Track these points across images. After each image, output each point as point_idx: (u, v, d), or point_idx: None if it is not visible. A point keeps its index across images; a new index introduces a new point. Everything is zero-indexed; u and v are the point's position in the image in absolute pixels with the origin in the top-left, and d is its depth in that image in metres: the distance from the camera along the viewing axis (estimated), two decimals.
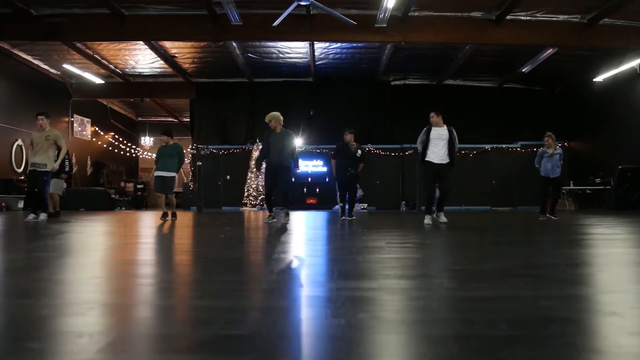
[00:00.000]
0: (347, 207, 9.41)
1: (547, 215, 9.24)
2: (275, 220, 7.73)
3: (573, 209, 16.48)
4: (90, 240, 4.78)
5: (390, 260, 3.14)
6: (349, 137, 9.29)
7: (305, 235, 5.46)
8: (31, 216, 8.12)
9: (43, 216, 8.21)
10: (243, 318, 1.60)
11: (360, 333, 1.43)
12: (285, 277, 2.45)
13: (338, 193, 9.79)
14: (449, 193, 7.48)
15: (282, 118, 7.84)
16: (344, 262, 3.06)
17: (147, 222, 8.51)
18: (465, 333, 1.42)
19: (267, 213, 7.97)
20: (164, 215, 8.92)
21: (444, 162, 7.26)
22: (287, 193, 7.91)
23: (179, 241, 4.82)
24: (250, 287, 2.23)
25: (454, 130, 7.47)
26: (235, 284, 2.23)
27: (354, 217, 9.47)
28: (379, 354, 1.26)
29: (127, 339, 1.38)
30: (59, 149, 8.39)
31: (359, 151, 9.28)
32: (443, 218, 7.38)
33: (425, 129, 7.53)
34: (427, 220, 7.15)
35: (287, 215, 7.83)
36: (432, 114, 7.53)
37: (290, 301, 1.91)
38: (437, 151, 7.28)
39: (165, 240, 4.84)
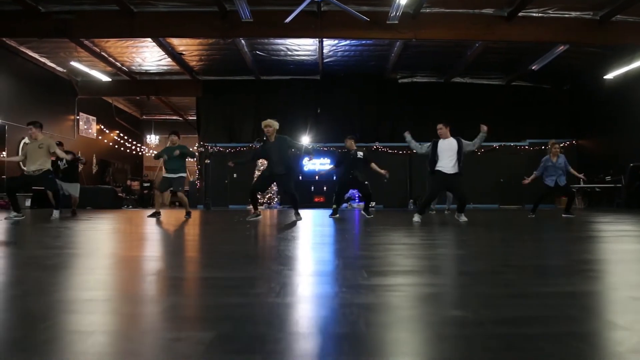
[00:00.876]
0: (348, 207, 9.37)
1: (565, 215, 8.99)
2: (260, 217, 7.82)
3: (582, 207, 16.38)
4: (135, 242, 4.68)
5: (440, 256, 3.05)
6: (349, 143, 9.19)
7: (340, 232, 5.36)
8: (12, 214, 8.06)
9: (56, 214, 8.18)
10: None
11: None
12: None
13: (336, 195, 9.44)
14: (465, 197, 7.44)
15: (277, 125, 7.74)
16: (395, 257, 2.97)
17: (170, 221, 8.40)
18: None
19: (253, 210, 7.96)
20: (156, 214, 8.60)
21: (454, 172, 7.22)
22: (296, 200, 7.91)
23: (226, 244, 4.72)
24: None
25: (461, 139, 7.41)
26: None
27: (372, 215, 9.31)
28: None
29: None
30: (55, 155, 8.45)
31: (360, 153, 9.18)
32: (463, 218, 7.31)
33: (431, 143, 7.45)
34: (417, 218, 7.23)
35: (298, 214, 7.79)
36: (440, 126, 7.42)
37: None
38: (447, 163, 7.23)
39: (221, 242, 4.74)
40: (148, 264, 2.90)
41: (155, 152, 11.46)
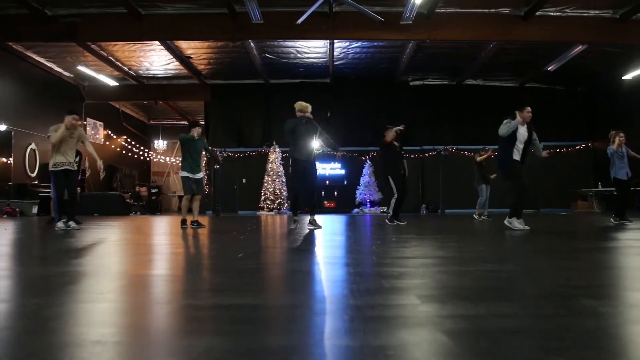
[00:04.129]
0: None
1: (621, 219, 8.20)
2: (297, 223, 7.30)
3: (600, 211, 15.93)
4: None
5: (492, 274, 2.71)
6: (391, 134, 8.60)
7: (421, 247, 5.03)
8: (60, 223, 7.16)
9: (73, 224, 7.32)
10: None
11: None
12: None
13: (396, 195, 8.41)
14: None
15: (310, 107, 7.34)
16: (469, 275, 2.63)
17: (188, 232, 8.08)
18: None
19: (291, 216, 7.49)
20: (185, 223, 7.50)
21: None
22: (314, 203, 7.48)
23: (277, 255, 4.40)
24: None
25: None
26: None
27: (405, 222, 8.55)
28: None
29: None
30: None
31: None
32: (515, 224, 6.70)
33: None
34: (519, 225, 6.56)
35: (314, 222, 7.04)
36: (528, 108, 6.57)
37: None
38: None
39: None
40: (165, 285, 2.58)
41: (163, 158, 11.11)
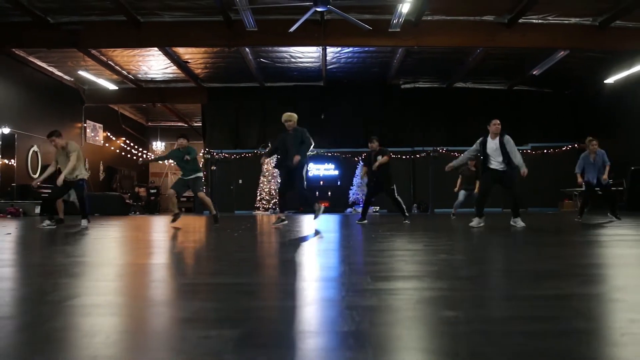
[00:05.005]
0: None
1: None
2: (285, 222, 7.85)
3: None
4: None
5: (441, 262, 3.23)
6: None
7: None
8: (46, 222, 7.93)
9: (85, 222, 8.08)
10: None
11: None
12: None
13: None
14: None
15: (296, 117, 7.87)
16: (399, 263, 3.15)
17: (199, 228, 8.58)
18: None
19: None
20: (176, 217, 8.43)
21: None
22: (306, 197, 8.07)
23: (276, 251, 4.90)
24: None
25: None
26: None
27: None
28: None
29: None
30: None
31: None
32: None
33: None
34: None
35: (316, 211, 7.76)
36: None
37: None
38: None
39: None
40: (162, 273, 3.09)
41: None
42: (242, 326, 1.58)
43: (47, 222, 7.95)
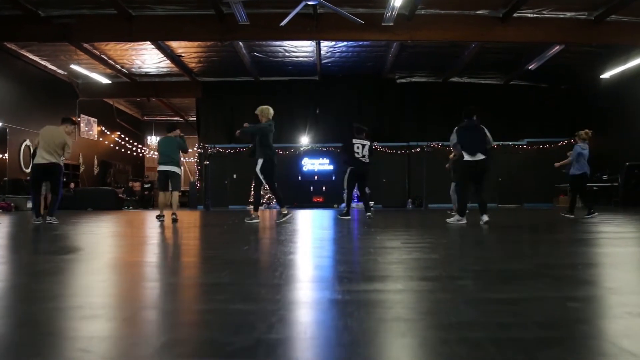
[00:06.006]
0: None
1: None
2: (289, 215, 7.77)
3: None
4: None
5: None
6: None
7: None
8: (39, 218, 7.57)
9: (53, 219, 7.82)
10: None
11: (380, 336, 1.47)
12: None
13: (346, 190, 9.40)
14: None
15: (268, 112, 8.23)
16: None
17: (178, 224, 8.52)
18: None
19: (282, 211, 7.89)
20: (160, 217, 8.30)
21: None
22: (259, 197, 8.25)
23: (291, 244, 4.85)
24: None
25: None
26: None
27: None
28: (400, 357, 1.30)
29: None
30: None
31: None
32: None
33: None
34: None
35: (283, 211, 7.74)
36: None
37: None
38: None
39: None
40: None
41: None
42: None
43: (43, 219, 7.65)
